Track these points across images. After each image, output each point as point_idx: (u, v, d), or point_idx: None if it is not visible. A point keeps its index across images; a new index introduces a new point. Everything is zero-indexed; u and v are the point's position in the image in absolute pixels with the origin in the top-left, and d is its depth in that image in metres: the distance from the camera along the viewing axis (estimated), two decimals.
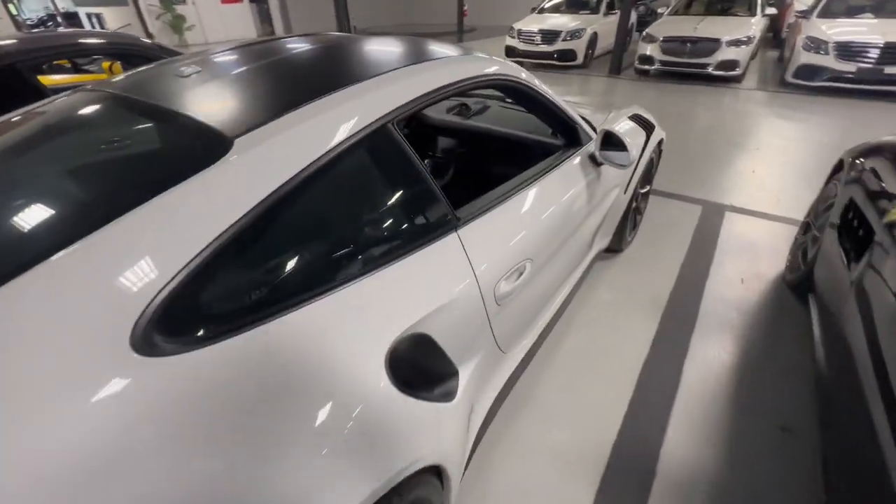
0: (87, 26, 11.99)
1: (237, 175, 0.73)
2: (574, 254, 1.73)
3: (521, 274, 1.21)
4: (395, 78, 1.01)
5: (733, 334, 1.93)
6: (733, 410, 1.59)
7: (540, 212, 1.33)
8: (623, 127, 2.00)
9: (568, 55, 7.49)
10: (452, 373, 1.02)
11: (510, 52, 7.99)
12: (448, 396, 0.97)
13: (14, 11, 11.59)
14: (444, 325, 0.95)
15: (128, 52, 2.84)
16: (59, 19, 12.45)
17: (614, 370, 1.77)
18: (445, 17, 14.64)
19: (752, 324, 1.98)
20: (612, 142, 1.55)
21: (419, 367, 0.91)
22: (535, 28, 7.65)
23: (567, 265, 1.68)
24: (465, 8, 12.26)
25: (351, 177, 0.87)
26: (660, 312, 2.07)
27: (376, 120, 0.91)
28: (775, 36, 9.64)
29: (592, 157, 1.63)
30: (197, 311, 0.65)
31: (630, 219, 2.36)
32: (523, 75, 1.41)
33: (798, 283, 2.06)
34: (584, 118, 1.93)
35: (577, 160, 1.58)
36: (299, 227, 0.77)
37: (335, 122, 0.86)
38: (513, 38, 7.93)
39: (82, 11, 12.05)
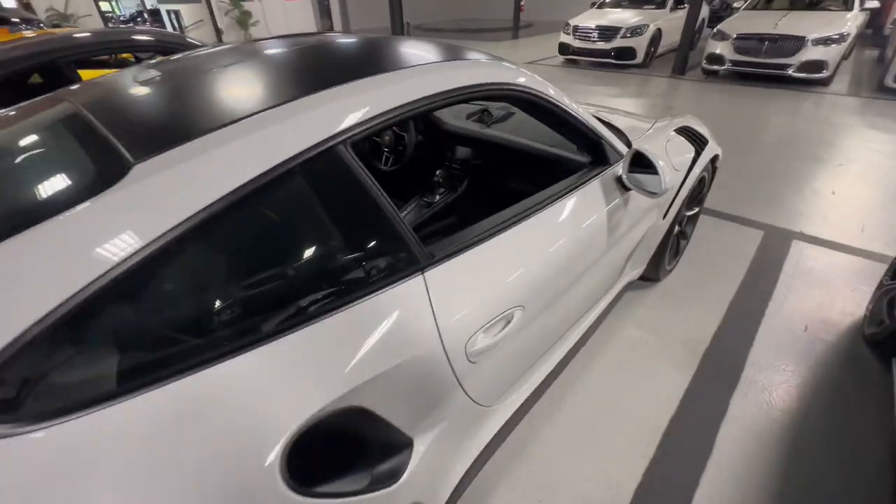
0: (167, 22, 12.90)
1: (119, 212, 0.60)
2: (592, 289, 1.49)
3: (507, 323, 1.01)
4: (353, 90, 0.85)
5: (787, 397, 1.60)
6: (778, 499, 1.30)
7: (543, 246, 1.12)
8: (665, 142, 1.72)
9: (626, 53, 6.98)
10: (402, 445, 0.85)
11: (563, 50, 7.60)
12: (392, 478, 0.81)
13: (106, 8, 12.69)
14: (391, 392, 0.78)
15: (166, 49, 2.90)
16: (145, 16, 13.51)
17: (631, 429, 1.51)
18: (502, 12, 14.28)
19: (814, 386, 1.64)
20: (643, 163, 1.30)
21: (350, 449, 0.75)
22: (592, 24, 7.20)
23: (582, 303, 1.45)
24: (523, 3, 11.87)
25: (277, 212, 0.72)
26: (696, 359, 1.77)
27: (321, 142, 0.75)
28: (876, 32, 8.48)
29: (620, 180, 1.38)
30: (39, 383, 0.52)
31: (671, 245, 2.06)
32: (538, 85, 1.20)
33: (880, 340, 1.68)
34: (620, 131, 1.68)
35: (601, 182, 1.34)
36: (193, 278, 0.63)
37: (264, 145, 0.71)
38: (567, 34, 7.51)
39: (163, 8, 12.96)
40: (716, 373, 1.71)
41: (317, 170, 0.75)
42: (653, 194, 1.28)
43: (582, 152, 1.48)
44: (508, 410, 1.24)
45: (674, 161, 1.69)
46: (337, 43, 1.18)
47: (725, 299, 2.09)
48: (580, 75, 6.96)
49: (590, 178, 1.32)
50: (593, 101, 5.45)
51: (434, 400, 0.90)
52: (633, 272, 1.91)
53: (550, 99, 1.22)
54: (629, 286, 2.01)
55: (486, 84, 1.05)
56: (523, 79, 1.16)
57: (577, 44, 7.38)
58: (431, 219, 1.89)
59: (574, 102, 1.33)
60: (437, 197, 1.93)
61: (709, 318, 1.98)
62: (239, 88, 0.90)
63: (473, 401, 1.03)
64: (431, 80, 0.95)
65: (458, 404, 0.98)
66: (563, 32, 7.61)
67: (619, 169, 1.37)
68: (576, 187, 1.27)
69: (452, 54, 1.13)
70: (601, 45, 7.13)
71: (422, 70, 0.97)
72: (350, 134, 0.79)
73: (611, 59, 7.13)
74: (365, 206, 0.81)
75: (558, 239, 1.17)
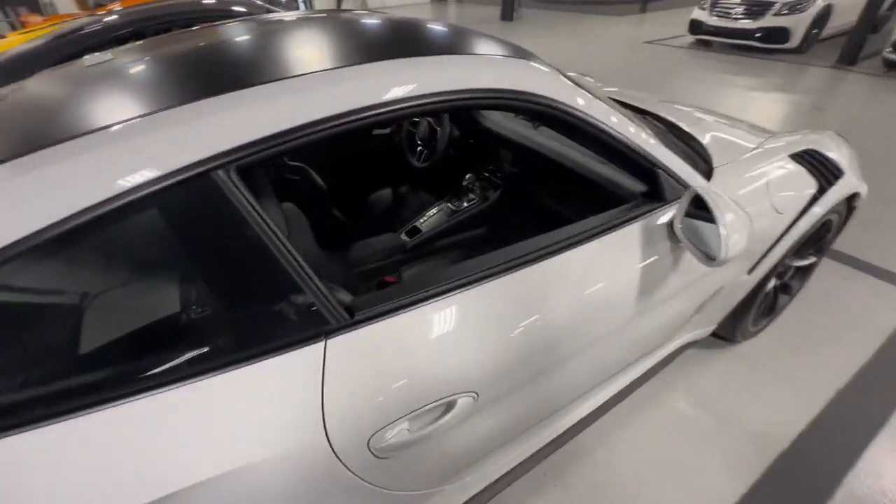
0: None
1: None
2: (616, 357, 1.16)
3: (446, 412, 0.77)
4: (257, 97, 0.65)
5: None
6: None
7: (528, 310, 0.84)
8: (768, 175, 1.25)
9: (777, 35, 5.70)
10: None
11: (695, 28, 6.46)
12: None
13: None
14: (237, 496, 0.61)
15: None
16: None
17: None
18: None
19: None
20: (706, 209, 0.92)
21: None
22: None
23: (596, 373, 1.13)
24: None
25: (105, 256, 0.57)
26: (763, 464, 1.33)
27: (187, 167, 0.57)
28: None
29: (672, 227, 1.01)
30: None
31: (761, 302, 1.57)
32: (561, 94, 0.87)
33: None
34: (702, 151, 1.27)
35: (646, 224, 0.99)
36: None
37: (101, 169, 0.55)
38: (703, 8, 6.36)
39: None
40: (787, 491, 1.27)
41: (176, 203, 0.58)
42: (709, 260, 0.90)
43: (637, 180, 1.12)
44: (464, 493, 1.01)
45: (776, 200, 1.23)
46: (278, 29, 0.96)
47: (831, 385, 1.56)
48: (710, 60, 5.88)
49: (631, 219, 0.98)
50: (723, 94, 4.55)
51: (316, 499, 0.71)
52: (699, 331, 1.49)
53: (578, 113, 0.89)
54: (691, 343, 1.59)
55: (467, 92, 0.77)
56: (538, 83, 0.85)
57: (712, 21, 6.21)
58: (454, 229, 1.66)
59: (621, 115, 0.98)
60: (465, 204, 1.68)
61: (798, 409, 1.48)
62: (114, 91, 0.74)
63: (391, 491, 0.82)
64: (375, 85, 0.71)
65: (364, 495, 0.78)
66: (699, 7, 6.45)
67: (675, 211, 1.01)
68: (603, 230, 0.94)
69: (440, 45, 0.87)
70: (745, 24, 5.91)
71: (367, 71, 0.73)
72: (234, 157, 0.60)
73: (755, 41, 5.89)
74: (245, 250, 0.63)
75: (555, 301, 0.87)
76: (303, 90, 0.67)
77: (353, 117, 0.67)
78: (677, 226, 0.97)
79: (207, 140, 0.59)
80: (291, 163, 1.54)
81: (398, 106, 0.70)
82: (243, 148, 0.61)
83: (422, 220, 1.66)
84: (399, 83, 0.72)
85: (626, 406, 1.46)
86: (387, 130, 2.01)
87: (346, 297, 0.79)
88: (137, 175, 0.55)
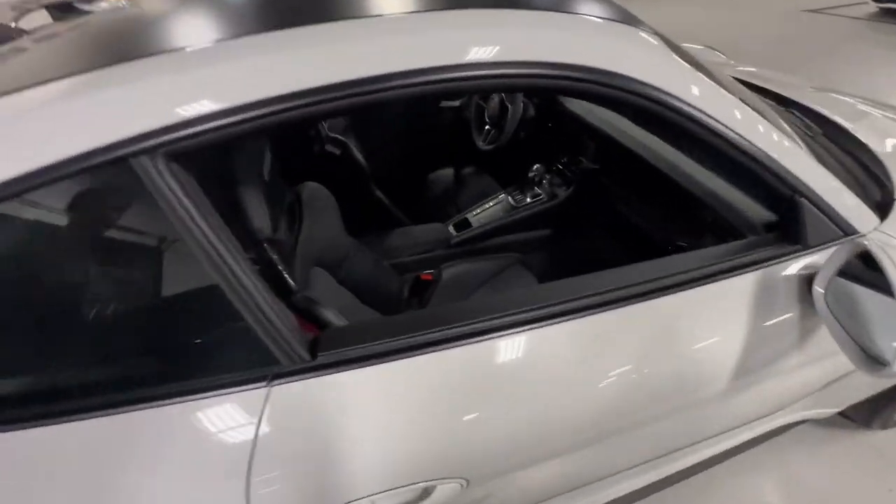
0: None
1: None
2: (694, 434, 0.88)
3: (420, 499, 0.58)
4: (196, 62, 0.48)
5: None
6: None
7: (574, 376, 0.62)
8: None
9: None
10: None
11: None
12: None
13: None
14: None
15: None
16: None
17: None
18: None
19: None
20: (877, 270, 0.59)
21: None
22: None
23: (650, 449, 0.87)
24: None
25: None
26: None
27: (92, 152, 0.43)
28: None
29: (811, 284, 0.68)
30: None
31: None
32: (663, 81, 0.58)
33: None
34: (871, 174, 0.89)
35: (767, 276, 0.68)
36: None
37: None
38: None
39: None
40: None
41: (79, 197, 0.45)
42: (873, 364, 0.57)
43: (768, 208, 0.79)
44: None
45: None
46: None
47: None
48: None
49: (748, 264, 0.68)
50: None
51: None
52: (822, 410, 1.11)
53: (690, 110, 0.59)
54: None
55: (498, 66, 0.53)
56: (641, 64, 0.58)
57: None
58: (511, 227, 1.41)
59: (752, 109, 0.66)
60: (528, 199, 1.42)
61: None
62: (68, 49, 0.63)
63: None
64: (384, 47, 0.50)
65: None
66: None
67: (819, 266, 0.67)
68: (704, 276, 0.66)
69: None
70: None
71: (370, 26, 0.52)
72: (160, 141, 0.44)
73: None
74: (165, 260, 0.48)
75: (614, 369, 0.63)
76: (260, 52, 0.49)
77: (312, 97, 0.47)
78: (818, 291, 0.64)
79: (121, 118, 0.44)
80: (332, 134, 1.40)
81: (376, 86, 0.49)
82: (172, 129, 0.44)
83: (475, 213, 1.44)
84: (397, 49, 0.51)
85: (684, 488, 1.15)
86: (456, 103, 1.78)
87: (337, 319, 0.63)
88: (23, 161, 0.42)
